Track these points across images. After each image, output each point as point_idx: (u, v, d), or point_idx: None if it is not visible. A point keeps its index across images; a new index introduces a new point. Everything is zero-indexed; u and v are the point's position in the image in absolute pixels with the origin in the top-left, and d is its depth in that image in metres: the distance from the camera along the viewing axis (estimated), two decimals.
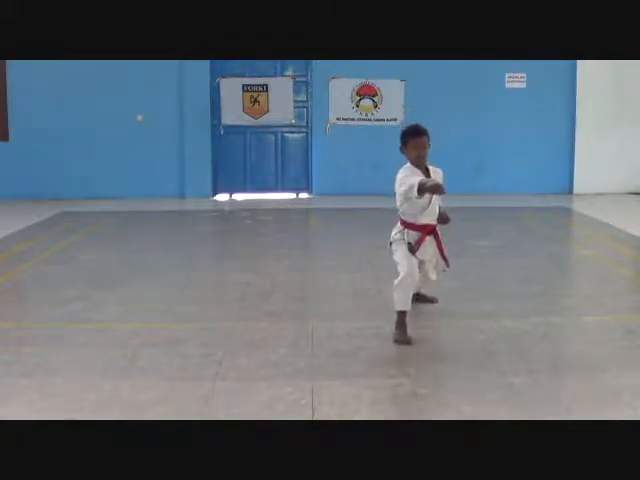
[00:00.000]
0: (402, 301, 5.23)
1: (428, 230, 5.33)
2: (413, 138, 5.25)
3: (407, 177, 5.18)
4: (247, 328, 5.59)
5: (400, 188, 5.19)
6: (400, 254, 5.31)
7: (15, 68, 12.70)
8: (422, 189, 5.00)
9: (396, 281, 5.26)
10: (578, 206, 11.88)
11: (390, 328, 5.31)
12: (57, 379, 4.57)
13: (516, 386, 4.42)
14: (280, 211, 11.92)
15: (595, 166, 13.18)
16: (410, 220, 5.31)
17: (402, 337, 5.22)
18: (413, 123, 5.49)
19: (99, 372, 4.71)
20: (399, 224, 5.39)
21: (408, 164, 5.31)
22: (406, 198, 5.19)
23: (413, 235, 5.30)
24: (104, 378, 4.60)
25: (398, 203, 5.33)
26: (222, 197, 13.48)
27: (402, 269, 5.24)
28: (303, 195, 13.56)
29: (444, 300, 6.04)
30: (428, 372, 4.73)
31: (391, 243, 5.41)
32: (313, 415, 4.01)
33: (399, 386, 4.44)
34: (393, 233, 5.41)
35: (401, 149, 5.33)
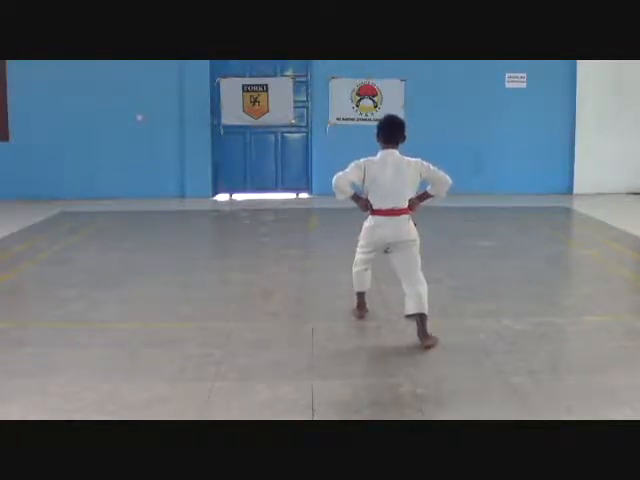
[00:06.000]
0: (426, 302, 5.16)
1: None
2: None
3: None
4: (247, 328, 5.59)
5: (439, 172, 5.14)
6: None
7: (15, 68, 12.69)
8: None
9: (423, 284, 5.15)
10: (578, 206, 11.88)
11: (390, 328, 5.31)
12: (57, 379, 4.57)
13: (516, 386, 4.42)
14: (280, 211, 11.92)
15: (595, 166, 13.16)
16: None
17: (433, 340, 5.13)
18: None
19: (99, 372, 4.71)
20: (408, 215, 5.17)
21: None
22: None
23: None
24: (104, 378, 4.60)
25: (414, 188, 5.18)
26: (222, 197, 13.48)
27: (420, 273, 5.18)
28: (303, 195, 13.55)
29: (444, 300, 6.04)
30: (428, 372, 4.73)
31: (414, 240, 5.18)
32: (313, 415, 4.02)
33: (399, 386, 4.44)
34: (414, 228, 5.18)
35: (404, 138, 5.21)
